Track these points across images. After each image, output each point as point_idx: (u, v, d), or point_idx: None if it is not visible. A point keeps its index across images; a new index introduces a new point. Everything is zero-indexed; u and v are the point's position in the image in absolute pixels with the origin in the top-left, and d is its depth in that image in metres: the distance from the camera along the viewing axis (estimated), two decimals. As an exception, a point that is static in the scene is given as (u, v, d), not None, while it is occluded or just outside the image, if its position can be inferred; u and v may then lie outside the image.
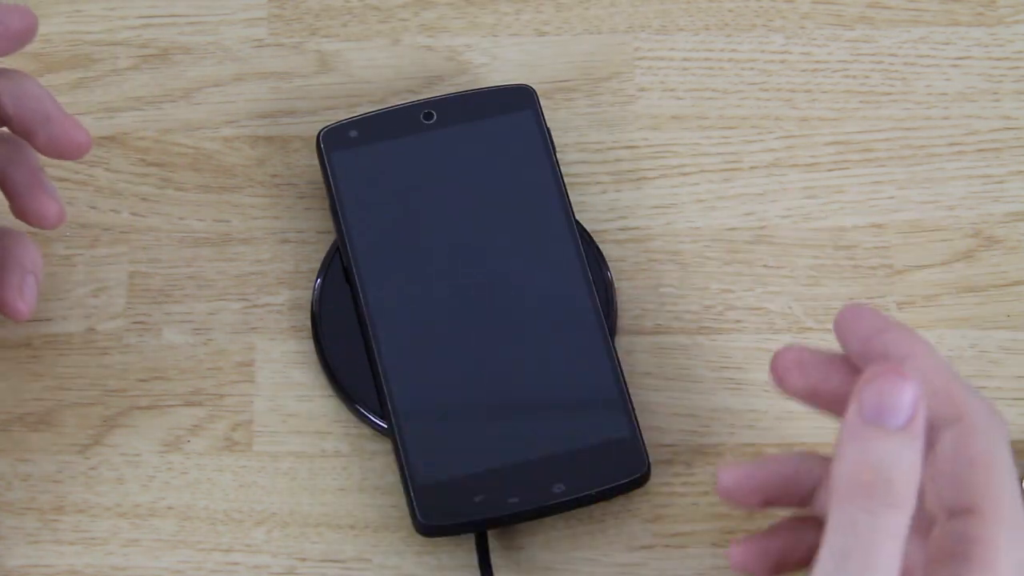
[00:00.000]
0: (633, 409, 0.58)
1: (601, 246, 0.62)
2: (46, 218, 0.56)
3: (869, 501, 0.44)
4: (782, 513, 0.54)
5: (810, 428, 0.59)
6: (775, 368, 0.51)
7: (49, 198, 0.56)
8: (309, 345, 0.61)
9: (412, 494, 0.57)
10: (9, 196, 0.57)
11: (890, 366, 0.45)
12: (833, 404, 0.51)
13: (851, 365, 0.50)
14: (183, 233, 0.63)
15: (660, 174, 0.64)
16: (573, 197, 0.62)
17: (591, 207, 0.63)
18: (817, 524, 0.50)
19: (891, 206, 0.63)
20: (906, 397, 0.45)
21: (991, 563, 0.45)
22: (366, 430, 0.60)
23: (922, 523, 0.47)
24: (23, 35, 0.56)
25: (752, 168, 0.64)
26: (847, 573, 0.44)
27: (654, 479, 0.58)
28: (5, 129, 0.56)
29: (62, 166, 0.64)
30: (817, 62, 0.66)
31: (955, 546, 0.46)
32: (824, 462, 0.53)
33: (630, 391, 0.59)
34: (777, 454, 0.57)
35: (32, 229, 0.63)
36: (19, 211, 0.57)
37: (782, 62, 0.66)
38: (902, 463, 0.44)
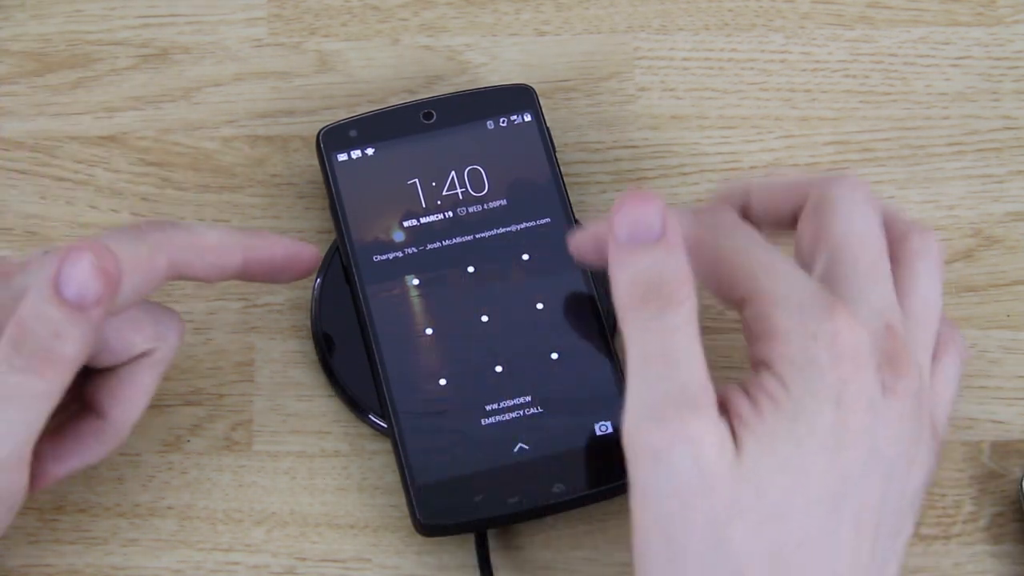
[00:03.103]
0: (633, 409, 0.58)
1: (601, 246, 0.62)
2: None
3: (648, 306, 0.47)
4: None
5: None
6: (572, 247, 0.54)
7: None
8: (309, 345, 0.61)
9: (412, 494, 0.57)
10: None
11: (633, 192, 0.48)
12: None
13: None
14: (183, 233, 0.63)
15: (660, 174, 0.64)
16: (573, 197, 0.62)
17: (591, 207, 0.63)
18: None
19: (891, 206, 0.64)
20: (652, 214, 0.48)
21: (775, 333, 0.48)
22: (366, 430, 0.60)
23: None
24: (308, 272, 0.57)
25: (752, 168, 0.64)
26: (654, 373, 0.47)
27: (654, 479, 0.58)
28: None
29: (62, 166, 0.64)
30: (817, 62, 0.66)
31: (752, 327, 0.49)
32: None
33: (630, 391, 0.59)
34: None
35: (29, 229, 0.63)
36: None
37: (782, 62, 0.66)
38: (667, 267, 0.47)
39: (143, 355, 0.54)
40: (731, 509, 0.46)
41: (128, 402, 0.54)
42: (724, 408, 0.48)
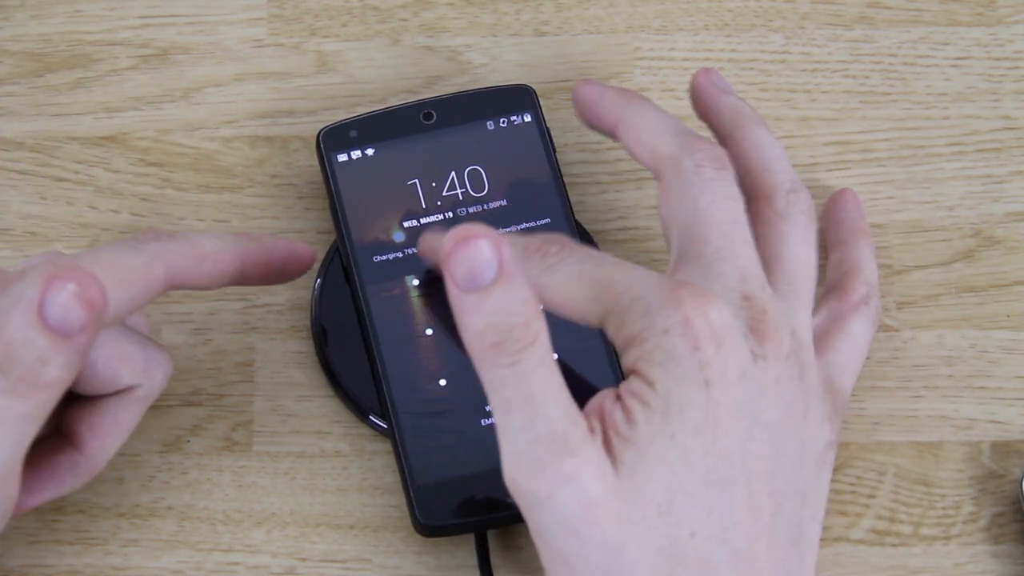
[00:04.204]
0: (633, 409, 0.58)
1: (601, 246, 0.62)
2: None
3: (502, 354, 0.46)
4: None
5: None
6: (419, 248, 0.56)
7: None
8: (309, 345, 0.61)
9: (412, 494, 0.57)
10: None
11: (462, 232, 0.46)
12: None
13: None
14: (183, 233, 0.63)
15: (660, 174, 0.64)
16: (573, 197, 0.62)
17: (591, 207, 0.63)
18: None
19: (891, 206, 0.63)
20: (485, 252, 0.46)
21: (633, 338, 0.48)
22: (366, 430, 0.60)
23: None
24: (304, 270, 0.57)
25: (752, 168, 0.64)
26: (520, 421, 0.47)
27: (654, 479, 0.58)
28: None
29: (62, 166, 0.64)
30: (817, 62, 0.66)
31: (616, 341, 0.49)
32: None
33: (630, 391, 0.59)
34: None
35: (29, 230, 0.63)
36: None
37: (782, 62, 0.66)
38: (512, 307, 0.46)
39: (128, 390, 0.54)
40: (621, 527, 0.47)
41: (106, 435, 0.54)
42: (602, 421, 0.48)
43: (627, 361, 0.49)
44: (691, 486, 0.47)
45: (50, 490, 0.54)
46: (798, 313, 0.52)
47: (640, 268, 0.50)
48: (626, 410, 0.48)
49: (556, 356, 0.58)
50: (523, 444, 0.47)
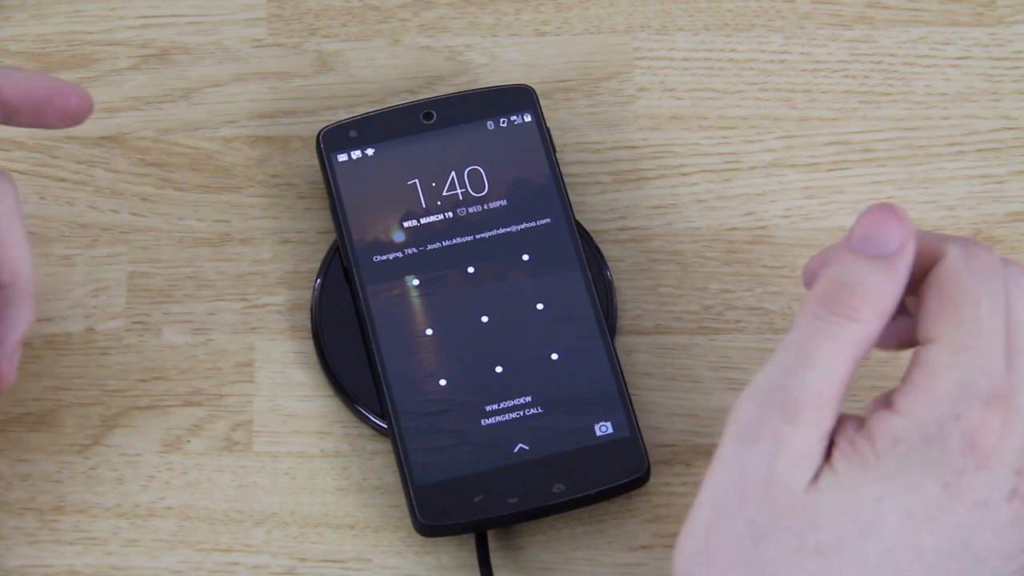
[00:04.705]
0: (633, 409, 0.58)
1: (601, 246, 0.62)
2: None
3: (822, 307, 0.46)
4: None
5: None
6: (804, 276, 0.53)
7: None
8: (309, 345, 0.61)
9: (412, 494, 0.57)
10: None
11: (888, 206, 0.46)
12: None
13: None
14: (183, 233, 0.63)
15: (660, 174, 0.64)
16: (573, 197, 0.62)
17: (591, 207, 0.63)
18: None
19: (891, 206, 0.63)
20: (894, 231, 0.47)
21: (930, 385, 0.46)
22: (366, 430, 0.60)
23: None
24: (79, 114, 0.55)
25: (752, 168, 0.64)
26: (783, 361, 0.47)
27: (654, 479, 0.58)
28: None
29: (62, 166, 0.64)
30: (817, 62, 0.66)
31: (910, 371, 0.47)
32: None
33: (630, 391, 0.59)
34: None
35: (29, 229, 0.63)
36: None
37: (782, 62, 0.66)
38: (867, 282, 0.46)
39: None
40: (768, 522, 0.46)
41: (3, 260, 0.53)
42: (837, 426, 0.47)
43: (905, 388, 0.47)
44: (865, 552, 0.46)
45: (10, 334, 0.53)
46: None
47: (998, 336, 0.47)
48: (870, 436, 0.46)
49: (557, 356, 0.59)
50: (772, 381, 0.46)
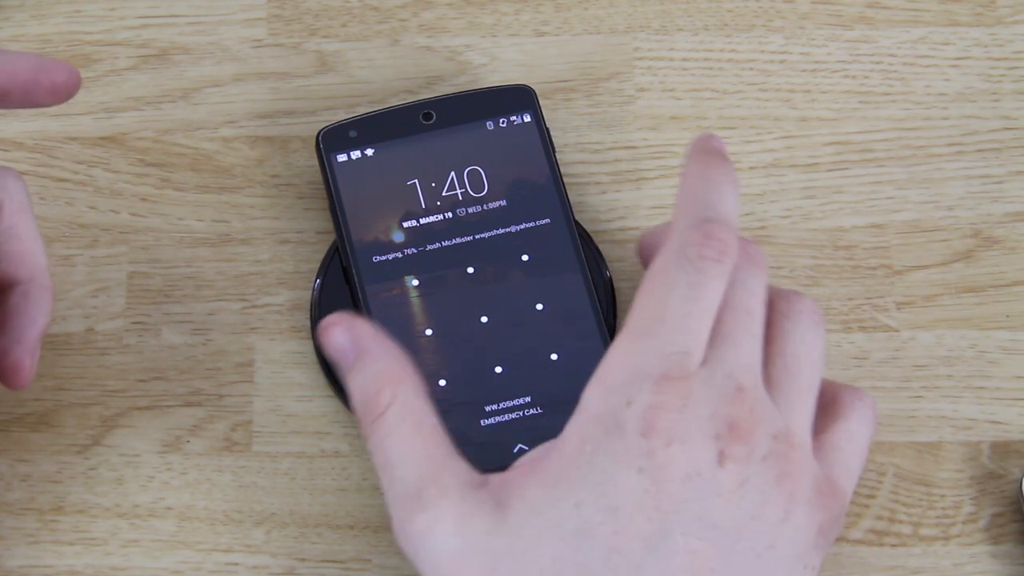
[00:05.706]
0: (633, 409, 0.58)
1: (601, 246, 0.62)
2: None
3: (364, 427, 0.49)
4: None
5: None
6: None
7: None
8: (309, 345, 0.61)
9: (412, 494, 0.57)
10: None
11: (323, 323, 0.51)
12: None
13: None
14: (182, 233, 0.63)
15: (660, 174, 0.64)
16: (573, 197, 0.62)
17: (591, 207, 0.63)
18: None
19: (890, 206, 0.63)
20: (340, 338, 0.51)
21: (605, 378, 0.48)
22: (366, 430, 0.60)
23: None
24: (67, 89, 0.55)
25: (751, 168, 0.64)
26: (384, 482, 0.49)
27: (654, 479, 0.58)
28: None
29: (62, 167, 0.64)
30: (816, 62, 0.66)
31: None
32: None
33: (630, 391, 0.59)
34: None
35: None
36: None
37: (781, 62, 0.66)
38: (366, 382, 0.50)
39: None
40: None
41: (20, 254, 0.54)
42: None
43: (591, 387, 0.48)
44: (587, 562, 0.46)
45: (30, 329, 0.54)
46: (797, 411, 0.49)
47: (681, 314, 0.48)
48: (561, 446, 0.47)
49: (557, 356, 0.59)
50: (390, 504, 0.49)
